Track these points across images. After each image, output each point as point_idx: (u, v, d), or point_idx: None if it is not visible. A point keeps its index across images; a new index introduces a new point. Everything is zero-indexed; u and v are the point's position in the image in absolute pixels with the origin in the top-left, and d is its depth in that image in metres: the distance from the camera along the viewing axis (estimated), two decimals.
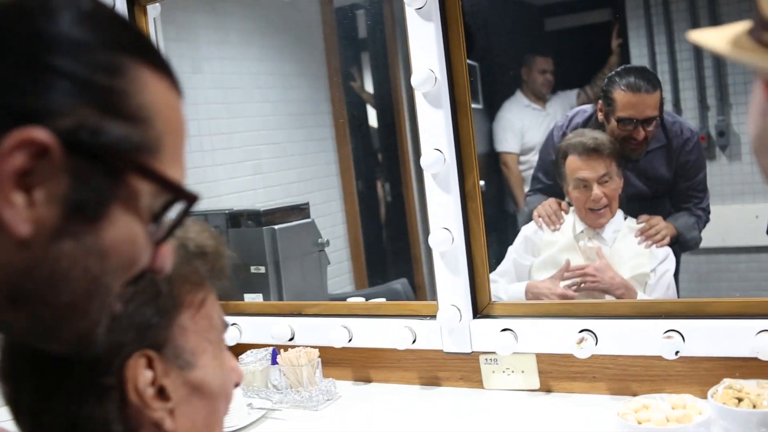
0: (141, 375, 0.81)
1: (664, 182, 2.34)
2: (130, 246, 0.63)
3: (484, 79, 3.79)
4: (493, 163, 3.53)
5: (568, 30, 3.90)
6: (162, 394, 0.84)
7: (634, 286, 2.20)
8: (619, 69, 2.45)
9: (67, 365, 0.80)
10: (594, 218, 2.32)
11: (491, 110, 3.65)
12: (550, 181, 2.49)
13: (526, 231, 2.46)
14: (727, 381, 1.59)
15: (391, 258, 3.78)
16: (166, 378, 0.84)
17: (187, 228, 0.90)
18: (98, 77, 0.60)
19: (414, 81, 1.97)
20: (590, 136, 2.33)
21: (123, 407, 0.81)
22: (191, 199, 0.66)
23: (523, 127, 3.38)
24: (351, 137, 3.62)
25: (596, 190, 2.27)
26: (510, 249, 2.46)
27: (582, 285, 2.25)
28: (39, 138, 0.56)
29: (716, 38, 0.69)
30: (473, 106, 3.66)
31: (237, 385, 0.98)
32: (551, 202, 2.41)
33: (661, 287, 2.20)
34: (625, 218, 2.34)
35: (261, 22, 3.40)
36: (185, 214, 0.67)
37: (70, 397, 0.81)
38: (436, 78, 1.97)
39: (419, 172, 2.09)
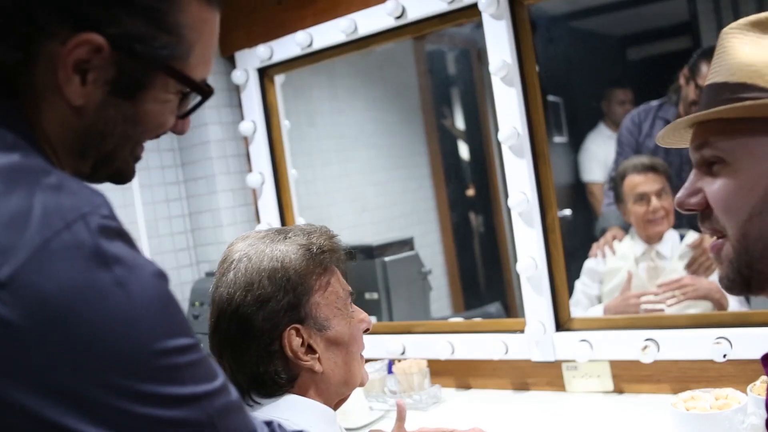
0: (293, 341, 1.26)
1: None
2: (158, 117, 0.90)
3: (567, 113, 4.04)
4: (580, 193, 3.77)
5: (649, 58, 4.08)
6: (310, 349, 1.28)
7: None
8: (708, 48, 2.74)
9: (249, 342, 1.26)
10: (653, 228, 2.59)
11: (575, 142, 3.89)
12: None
13: (589, 263, 2.73)
14: (764, 377, 1.92)
15: (485, 284, 4.07)
16: (311, 339, 1.28)
17: (311, 233, 1.33)
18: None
19: (500, 136, 2.36)
20: (645, 156, 2.64)
21: (286, 362, 1.27)
22: (206, 92, 0.92)
23: (607, 157, 3.46)
24: (445, 175, 3.94)
25: (655, 202, 2.57)
26: (576, 282, 2.72)
27: (682, 295, 2.46)
28: (96, 41, 0.80)
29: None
30: (558, 140, 3.93)
31: (367, 330, 1.41)
32: (607, 235, 2.71)
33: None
34: (682, 238, 2.60)
35: (365, 77, 3.78)
36: (204, 99, 0.93)
37: (252, 362, 1.27)
38: (518, 133, 2.35)
39: (509, 210, 2.44)
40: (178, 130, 0.96)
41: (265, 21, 2.92)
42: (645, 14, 3.90)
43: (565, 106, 4.03)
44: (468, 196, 4.14)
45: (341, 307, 1.33)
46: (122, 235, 0.77)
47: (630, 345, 2.23)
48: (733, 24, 0.95)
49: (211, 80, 2.91)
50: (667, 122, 2.78)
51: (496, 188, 3.83)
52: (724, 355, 2.05)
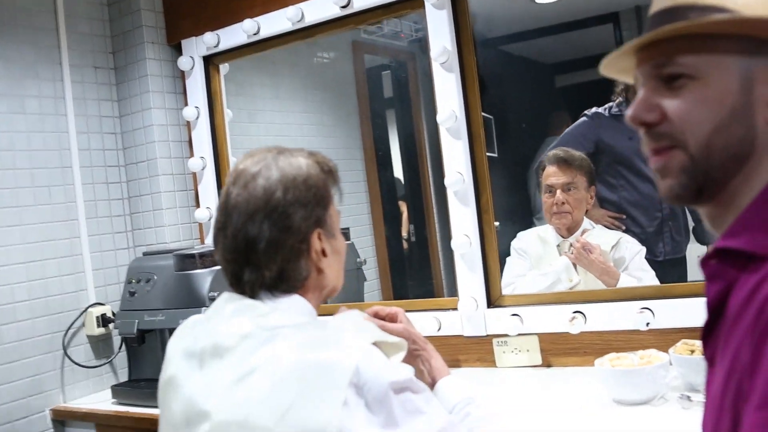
0: (316, 242, 1.40)
1: None
2: None
3: (498, 130, 4.18)
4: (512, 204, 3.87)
5: (576, 86, 4.29)
6: (324, 253, 1.42)
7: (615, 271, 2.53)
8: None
9: (285, 239, 1.37)
10: (557, 219, 2.65)
11: (504, 159, 4.03)
12: None
13: (518, 243, 2.76)
14: (684, 340, 2.04)
15: (415, 270, 4.16)
16: (326, 243, 1.44)
17: (313, 154, 1.48)
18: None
19: (439, 118, 2.47)
20: (564, 149, 2.70)
21: (307, 261, 1.40)
22: None
23: None
24: (379, 174, 4.05)
25: (558, 195, 2.63)
26: (508, 260, 2.73)
27: (577, 251, 2.57)
28: None
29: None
30: (489, 155, 4.06)
31: None
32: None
33: (636, 270, 2.54)
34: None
35: (306, 80, 3.88)
36: None
37: (283, 257, 1.37)
38: (456, 116, 2.47)
39: (438, 199, 2.53)
40: None
41: (213, 9, 3.00)
42: (574, 42, 4.07)
43: (496, 123, 4.16)
44: (399, 187, 4.23)
45: (338, 222, 1.50)
46: None
47: (558, 319, 2.35)
48: None
49: (156, 67, 2.99)
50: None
51: (426, 178, 3.93)
52: (647, 323, 2.17)
